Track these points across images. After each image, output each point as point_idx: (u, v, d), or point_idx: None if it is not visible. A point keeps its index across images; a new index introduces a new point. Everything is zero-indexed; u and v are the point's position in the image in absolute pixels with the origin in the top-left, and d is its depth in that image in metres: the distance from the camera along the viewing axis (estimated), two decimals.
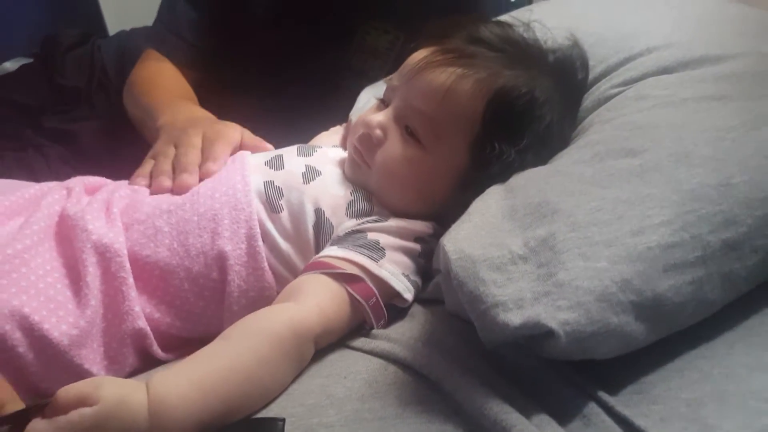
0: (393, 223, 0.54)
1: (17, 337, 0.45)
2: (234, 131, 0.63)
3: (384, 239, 0.53)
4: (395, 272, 0.51)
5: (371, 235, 0.53)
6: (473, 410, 0.38)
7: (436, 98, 0.53)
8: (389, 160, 0.55)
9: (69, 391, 0.38)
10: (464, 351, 0.44)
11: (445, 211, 0.54)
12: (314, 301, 0.47)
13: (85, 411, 0.37)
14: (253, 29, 0.86)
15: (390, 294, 0.51)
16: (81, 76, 0.95)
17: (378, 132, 0.56)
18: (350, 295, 0.49)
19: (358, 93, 0.80)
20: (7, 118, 0.88)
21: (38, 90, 0.93)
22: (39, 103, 0.92)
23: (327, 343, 0.48)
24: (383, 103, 0.58)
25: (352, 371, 0.46)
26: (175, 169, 0.58)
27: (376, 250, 0.52)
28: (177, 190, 0.56)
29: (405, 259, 0.53)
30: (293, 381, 0.45)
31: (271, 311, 0.48)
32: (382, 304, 0.50)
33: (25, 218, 0.52)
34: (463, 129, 0.53)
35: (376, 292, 0.50)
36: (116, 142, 0.84)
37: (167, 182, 0.57)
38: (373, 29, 0.86)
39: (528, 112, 0.53)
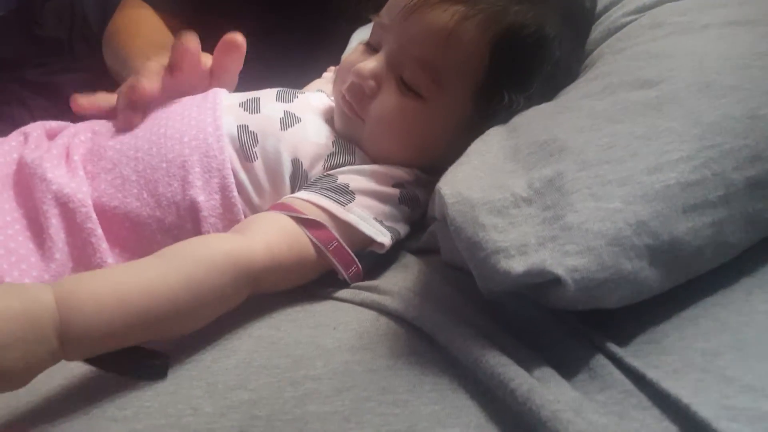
0: (367, 167, 0.50)
1: None
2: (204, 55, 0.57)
3: (355, 183, 0.49)
4: (365, 216, 0.48)
5: (341, 178, 0.49)
6: (469, 363, 0.36)
7: (436, 43, 0.48)
8: (385, 113, 0.50)
9: None
10: (460, 301, 0.41)
11: (442, 159, 0.51)
12: (263, 237, 0.44)
13: None
14: None
15: (363, 240, 0.48)
16: (61, 26, 0.91)
17: (371, 83, 0.51)
18: (311, 240, 0.45)
19: (350, 37, 0.75)
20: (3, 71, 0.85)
21: (17, 43, 0.89)
22: (19, 55, 0.88)
23: (278, 287, 0.45)
24: (370, 46, 0.53)
25: (342, 322, 0.43)
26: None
27: (345, 194, 0.48)
28: (133, 95, 0.51)
29: (379, 205, 0.49)
30: (278, 330, 0.42)
31: (212, 238, 0.45)
32: (347, 248, 0.46)
33: None
34: (466, 76, 0.49)
35: (338, 236, 0.46)
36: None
37: (123, 87, 0.52)
38: None
39: (537, 52, 0.49)
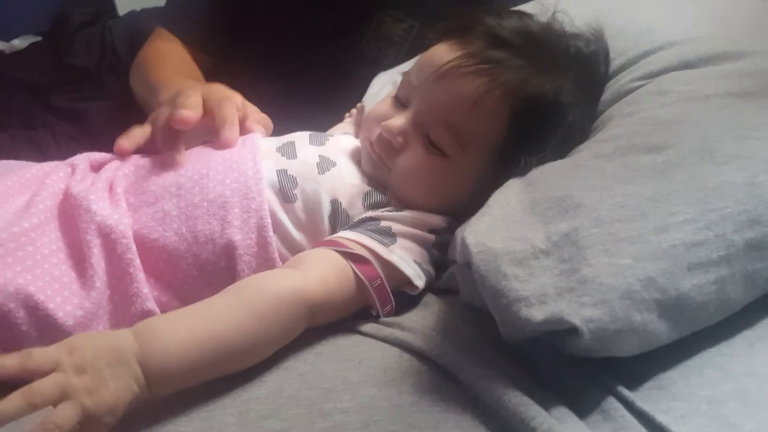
0: (407, 213, 0.54)
1: (21, 315, 0.44)
2: (236, 95, 0.61)
3: (396, 227, 0.53)
4: (405, 258, 0.51)
5: (384, 222, 0.53)
6: (491, 401, 0.38)
7: (462, 109, 0.52)
8: (411, 168, 0.55)
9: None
10: (479, 342, 0.44)
11: (462, 208, 0.54)
12: (317, 271, 0.48)
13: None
14: (266, 13, 0.84)
15: (400, 280, 0.51)
16: (91, 56, 0.94)
17: (399, 139, 0.55)
18: (355, 275, 0.49)
19: (370, 81, 0.79)
20: (16, 95, 0.88)
21: (47, 69, 0.92)
22: (48, 81, 0.91)
23: (326, 320, 0.48)
24: (398, 100, 0.57)
25: (367, 357, 0.46)
26: (174, 108, 0.55)
27: (388, 236, 0.52)
28: (175, 123, 0.54)
29: (417, 247, 0.53)
30: (305, 363, 0.45)
31: (274, 273, 0.49)
32: (387, 288, 0.50)
33: (30, 196, 0.51)
34: (488, 140, 0.53)
35: (382, 274, 0.49)
36: (125, 122, 0.82)
37: (162, 118, 0.54)
38: (388, 17, 0.85)
39: (553, 119, 0.53)
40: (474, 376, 0.40)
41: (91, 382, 0.37)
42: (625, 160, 0.45)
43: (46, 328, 0.45)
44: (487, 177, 0.53)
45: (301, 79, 0.85)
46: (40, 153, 0.78)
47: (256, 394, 0.43)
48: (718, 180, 0.41)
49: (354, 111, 0.80)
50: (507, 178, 0.51)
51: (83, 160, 0.57)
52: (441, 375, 0.42)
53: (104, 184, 0.53)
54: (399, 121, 0.55)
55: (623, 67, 0.61)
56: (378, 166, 0.57)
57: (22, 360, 0.36)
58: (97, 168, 0.56)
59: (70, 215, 0.50)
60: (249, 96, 0.70)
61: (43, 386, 0.36)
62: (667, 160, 0.43)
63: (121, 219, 0.50)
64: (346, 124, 0.76)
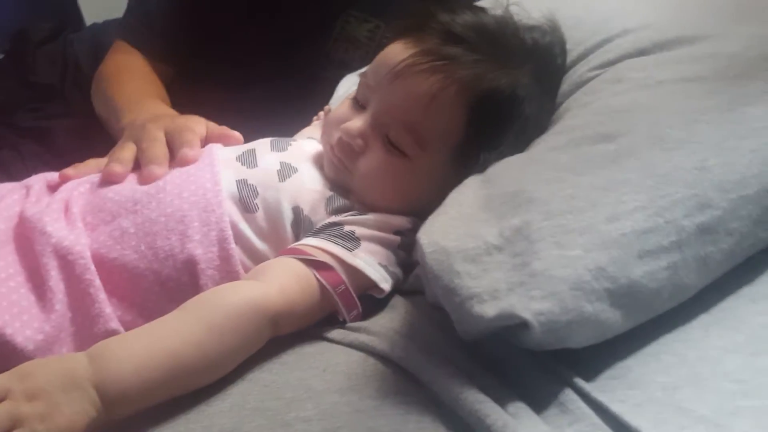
0: (371, 216, 0.54)
1: None
2: (197, 123, 0.61)
3: (360, 230, 0.52)
4: (370, 261, 0.51)
5: (347, 227, 0.53)
6: (450, 401, 0.38)
7: (418, 108, 0.52)
8: (372, 170, 0.54)
9: None
10: (442, 341, 0.44)
11: (425, 207, 0.54)
12: (277, 281, 0.47)
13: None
14: (227, 20, 0.84)
15: (366, 284, 0.51)
16: (54, 72, 0.93)
17: (359, 141, 0.54)
18: (318, 282, 0.49)
19: (338, 84, 0.79)
20: None
21: (10, 87, 0.91)
22: (11, 100, 0.90)
23: (291, 329, 0.48)
24: (357, 102, 0.57)
25: (332, 364, 0.45)
26: (142, 162, 0.56)
27: (351, 240, 0.51)
28: (143, 180, 0.54)
29: (382, 250, 0.53)
30: (270, 373, 0.45)
31: (231, 286, 0.48)
32: (352, 293, 0.49)
33: None
34: (447, 137, 0.53)
35: (346, 280, 0.49)
36: (91, 140, 0.82)
37: (118, 168, 0.55)
38: (353, 17, 0.85)
39: (510, 113, 0.53)
40: (434, 376, 0.40)
41: (43, 408, 0.36)
42: (578, 151, 0.45)
43: (6, 354, 0.44)
44: (447, 175, 0.53)
45: (268, 85, 0.84)
46: (6, 173, 0.77)
47: (220, 408, 0.42)
48: (668, 165, 0.41)
49: (321, 114, 0.79)
50: (467, 176, 0.51)
51: (38, 181, 0.56)
52: (404, 377, 0.42)
53: (59, 205, 0.52)
54: (357, 123, 0.55)
55: (581, 57, 0.61)
56: (339, 170, 0.56)
57: None
58: (53, 188, 0.55)
59: (26, 238, 0.50)
60: (213, 104, 0.70)
61: None
62: (619, 149, 0.44)
63: (77, 239, 0.49)
64: (314, 128, 0.76)
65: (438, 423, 0.38)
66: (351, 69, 0.81)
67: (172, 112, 0.69)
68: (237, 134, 0.63)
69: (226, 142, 0.61)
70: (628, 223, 0.38)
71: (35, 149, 0.85)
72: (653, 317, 0.40)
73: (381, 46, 0.58)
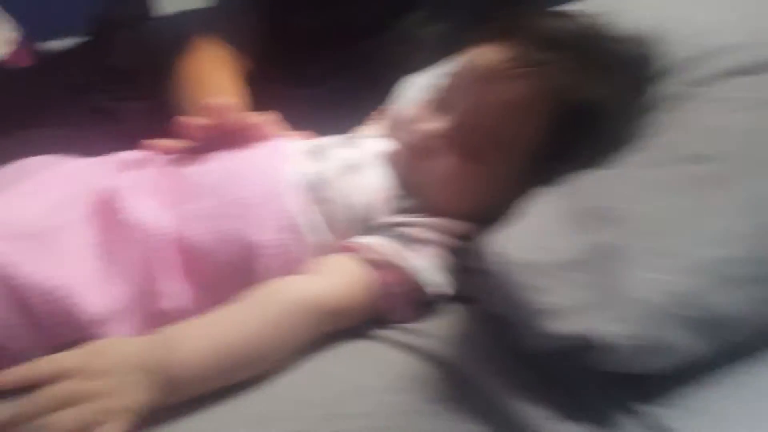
0: (433, 220, 0.53)
1: (48, 309, 0.45)
2: (271, 119, 0.61)
3: (420, 233, 0.51)
4: (427, 265, 0.50)
5: (408, 228, 0.52)
6: (505, 413, 0.37)
7: (503, 115, 0.50)
8: (443, 174, 0.53)
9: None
10: (498, 351, 0.42)
11: (490, 215, 0.52)
12: (333, 277, 0.47)
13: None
14: (295, 17, 0.84)
15: (418, 287, 0.50)
16: (131, 57, 0.94)
17: (434, 143, 0.53)
18: (373, 281, 0.48)
19: (399, 83, 0.78)
20: (55, 95, 0.89)
21: (88, 69, 0.94)
22: (87, 81, 0.92)
23: (342, 326, 0.48)
24: (434, 103, 0.55)
25: (383, 362, 0.45)
26: (217, 148, 0.56)
27: (410, 242, 0.51)
28: (216, 163, 0.55)
29: (440, 254, 0.51)
30: (319, 366, 0.45)
31: (287, 281, 0.48)
32: (407, 295, 0.49)
33: (66, 192, 0.52)
34: (527, 146, 0.51)
35: (401, 281, 0.48)
36: (162, 124, 0.84)
37: (195, 146, 0.55)
38: (419, 18, 0.84)
39: (596, 125, 0.51)
40: (490, 387, 0.39)
41: (109, 387, 0.38)
42: (668, 170, 0.43)
43: (72, 322, 0.45)
44: (521, 184, 0.52)
45: (328, 82, 0.84)
46: (77, 151, 0.80)
47: (269, 394, 0.42)
48: (763, 193, 0.38)
49: (381, 114, 0.79)
50: (542, 186, 0.49)
51: (119, 158, 0.58)
52: (458, 384, 0.41)
53: (138, 182, 0.53)
54: (434, 124, 0.53)
55: (672, 71, 0.58)
56: (409, 171, 0.55)
57: (26, 374, 0.37)
58: (133, 164, 0.57)
59: (105, 210, 0.51)
60: (278, 100, 0.70)
61: (54, 391, 0.37)
62: (714, 171, 0.41)
63: (153, 216, 0.50)
64: (372, 127, 0.75)
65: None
66: (411, 69, 0.80)
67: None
68: (306, 134, 0.63)
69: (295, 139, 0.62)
70: (718, 251, 0.36)
71: (106, 130, 0.87)
72: (733, 348, 0.37)
73: (445, 49, 0.57)
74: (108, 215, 0.51)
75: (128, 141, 0.80)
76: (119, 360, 0.38)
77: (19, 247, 0.44)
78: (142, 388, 0.39)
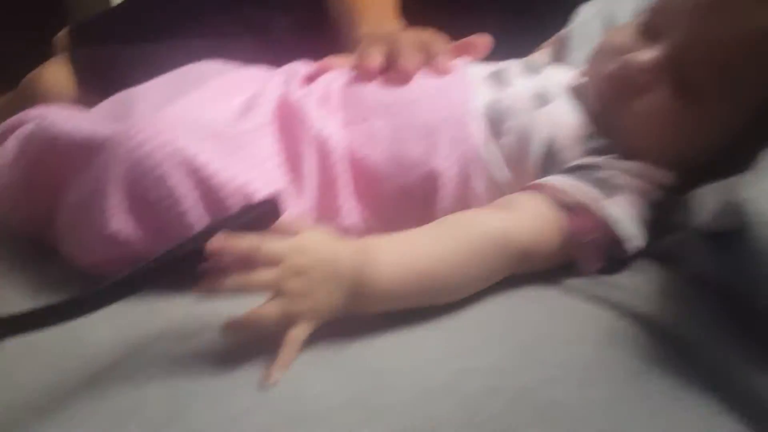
0: (633, 164, 0.48)
1: (232, 206, 0.44)
2: (441, 37, 0.57)
3: (618, 178, 0.47)
4: (625, 214, 0.46)
5: (604, 172, 0.47)
6: (741, 389, 0.33)
7: (736, 47, 0.44)
8: (651, 113, 0.47)
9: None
10: (721, 320, 0.38)
11: (697, 165, 0.47)
12: (526, 217, 0.44)
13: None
14: None
15: (613, 237, 0.46)
16: None
17: (644, 77, 0.47)
18: (566, 227, 0.45)
19: (575, 8, 0.70)
20: (209, 4, 0.89)
21: None
22: None
23: (528, 269, 0.45)
24: (646, 29, 0.49)
25: (578, 313, 0.42)
26: (394, 65, 0.53)
27: (607, 187, 0.46)
28: (396, 82, 0.52)
29: (637, 204, 0.47)
30: (509, 307, 0.43)
31: (487, 214, 0.46)
32: (601, 245, 0.45)
33: (249, 98, 0.51)
34: (759, 86, 0.44)
35: (596, 229, 0.45)
36: (313, 39, 0.82)
37: (374, 61, 0.53)
38: None
39: None
40: (719, 357, 0.35)
41: (302, 287, 0.37)
42: None
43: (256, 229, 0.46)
44: (742, 133, 0.45)
45: (498, 6, 0.78)
46: (230, 61, 0.80)
47: (458, 327, 0.41)
48: None
49: (552, 42, 0.72)
50: (761, 141, 0.43)
51: (299, 68, 0.56)
52: (672, 348, 0.38)
53: (318, 95, 0.52)
54: (646, 55, 0.47)
55: None
56: (607, 107, 0.50)
57: (252, 248, 0.37)
58: (310, 79, 0.55)
59: (287, 122, 0.50)
60: (446, 20, 0.66)
61: (261, 277, 0.37)
62: None
63: (335, 131, 0.49)
64: (543, 55, 0.69)
65: (722, 408, 0.33)
66: None
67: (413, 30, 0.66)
68: (483, 42, 0.58)
69: (472, 53, 0.57)
70: None
71: (255, 42, 0.87)
72: None
73: None
74: (290, 125, 0.50)
75: (279, 55, 0.79)
76: (317, 262, 0.38)
77: (208, 146, 0.44)
78: (332, 297, 0.38)
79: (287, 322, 0.37)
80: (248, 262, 0.36)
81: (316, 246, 0.38)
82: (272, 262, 0.37)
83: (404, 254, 0.40)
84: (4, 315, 0.31)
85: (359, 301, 0.39)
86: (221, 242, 0.36)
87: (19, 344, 0.33)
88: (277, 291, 0.37)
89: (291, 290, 0.37)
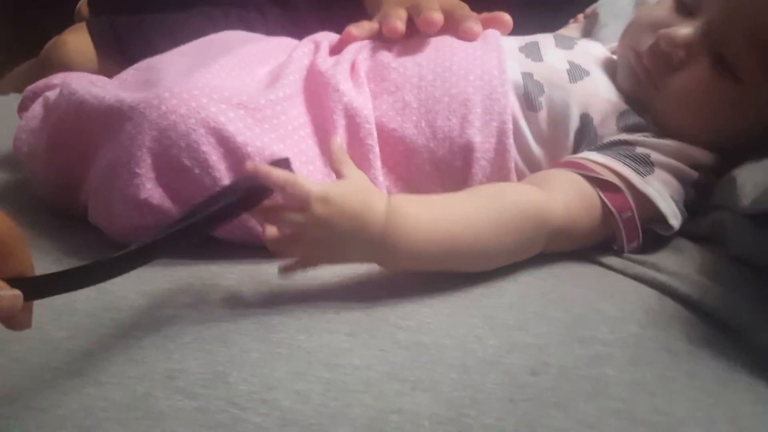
0: (670, 142, 0.47)
1: None
2: (465, 5, 0.55)
3: (655, 156, 0.46)
4: (663, 192, 0.45)
5: (641, 149, 0.46)
6: None
7: None
8: (688, 90, 0.46)
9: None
10: (760, 303, 0.37)
11: (736, 145, 0.46)
12: (561, 194, 0.43)
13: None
14: None
15: (651, 215, 0.45)
16: None
17: (681, 53, 0.46)
18: (603, 204, 0.44)
19: None
20: None
21: None
22: None
23: (562, 247, 0.44)
24: (683, 4, 0.47)
25: (620, 291, 0.41)
26: (419, 24, 0.51)
27: (645, 164, 0.45)
28: (423, 26, 0.50)
29: (676, 183, 0.46)
30: (545, 283, 0.42)
31: (520, 187, 0.45)
32: (638, 223, 0.44)
33: (276, 68, 0.49)
34: None
35: (633, 207, 0.44)
36: (335, 11, 0.81)
37: (399, 24, 0.51)
38: None
39: None
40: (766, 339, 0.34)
41: (321, 239, 0.36)
42: None
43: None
44: None
45: None
46: (251, 31, 0.79)
47: (498, 302, 0.40)
48: None
49: (582, 17, 0.71)
50: None
51: (324, 38, 0.54)
52: (719, 329, 0.37)
53: (347, 66, 0.50)
54: (684, 30, 0.46)
55: None
56: (642, 83, 0.48)
57: (286, 183, 0.35)
58: (337, 49, 0.54)
59: (317, 92, 0.48)
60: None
61: (288, 217, 0.36)
62: None
63: (365, 103, 0.47)
64: (572, 30, 0.68)
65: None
66: None
67: None
68: (507, 19, 0.56)
69: (497, 27, 0.55)
70: None
71: (277, 13, 0.86)
72: None
73: None
74: (319, 96, 0.48)
75: (300, 26, 0.77)
76: (342, 216, 0.36)
77: (237, 115, 0.43)
78: (354, 249, 0.37)
79: (302, 266, 0.37)
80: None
81: (343, 198, 0.37)
82: (300, 204, 0.36)
83: (431, 218, 0.39)
84: (32, 276, 0.30)
85: (383, 256, 0.38)
86: (258, 166, 0.35)
87: (53, 306, 0.32)
88: (296, 237, 0.37)
89: (308, 238, 0.37)
